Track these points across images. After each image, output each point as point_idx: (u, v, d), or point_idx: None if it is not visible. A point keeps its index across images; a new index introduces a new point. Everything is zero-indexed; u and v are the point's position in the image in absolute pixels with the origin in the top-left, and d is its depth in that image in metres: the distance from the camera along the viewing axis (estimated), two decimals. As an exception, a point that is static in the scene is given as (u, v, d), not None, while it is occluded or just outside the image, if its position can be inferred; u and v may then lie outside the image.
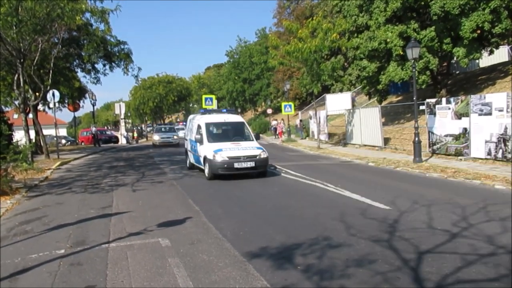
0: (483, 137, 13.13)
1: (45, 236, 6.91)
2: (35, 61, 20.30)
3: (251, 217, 7.83)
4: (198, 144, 13.46)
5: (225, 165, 12.03)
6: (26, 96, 21.40)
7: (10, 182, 11.19)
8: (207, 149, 12.67)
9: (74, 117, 43.07)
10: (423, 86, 20.11)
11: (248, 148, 12.61)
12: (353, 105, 30.77)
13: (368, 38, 20.18)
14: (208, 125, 13.76)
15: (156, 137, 31.85)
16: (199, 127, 13.83)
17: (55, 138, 24.94)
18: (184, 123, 64.94)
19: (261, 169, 12.49)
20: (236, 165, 12.03)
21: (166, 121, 67.94)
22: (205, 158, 12.67)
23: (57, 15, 18.03)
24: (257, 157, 12.31)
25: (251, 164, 12.11)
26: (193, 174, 14.10)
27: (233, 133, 13.88)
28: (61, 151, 24.57)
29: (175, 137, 31.78)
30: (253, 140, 13.58)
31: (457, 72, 27.66)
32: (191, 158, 15.07)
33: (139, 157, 22.14)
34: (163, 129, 35.00)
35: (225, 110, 15.97)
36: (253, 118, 57.08)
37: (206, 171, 12.65)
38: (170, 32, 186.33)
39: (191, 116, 16.81)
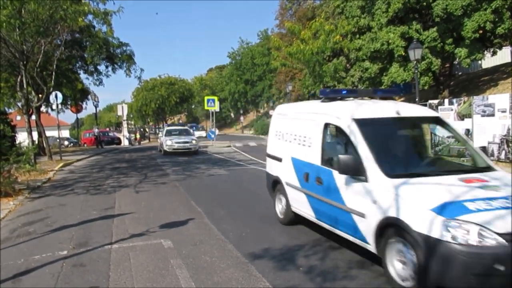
0: (486, 138, 13.10)
1: (48, 238, 6.93)
2: (38, 63, 20.37)
3: (255, 219, 7.82)
4: (338, 179, 5.29)
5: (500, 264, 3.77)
6: (29, 97, 21.52)
7: (13, 184, 11.21)
8: (408, 200, 4.35)
9: (77, 118, 43.39)
10: (426, 87, 20.06)
11: None
12: None
13: (370, 39, 20.17)
14: (366, 126, 5.30)
15: (168, 142, 23.17)
16: (340, 131, 5.72)
17: (57, 140, 24.95)
18: (194, 125, 63.22)
19: None
20: None
21: (168, 122, 67.92)
22: (403, 228, 4.26)
23: (60, 17, 18.09)
24: None
25: None
26: (196, 175, 14.09)
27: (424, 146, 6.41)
28: (64, 152, 24.63)
29: (193, 141, 23.76)
30: (492, 168, 5.24)
31: (460, 73, 27.58)
32: (300, 204, 6.50)
33: (142, 159, 22.15)
34: (173, 132, 25.30)
35: (380, 92, 7.22)
36: (255, 120, 57.25)
37: (410, 272, 4.21)
38: (172, 33, 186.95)
39: (284, 108, 7.92)
